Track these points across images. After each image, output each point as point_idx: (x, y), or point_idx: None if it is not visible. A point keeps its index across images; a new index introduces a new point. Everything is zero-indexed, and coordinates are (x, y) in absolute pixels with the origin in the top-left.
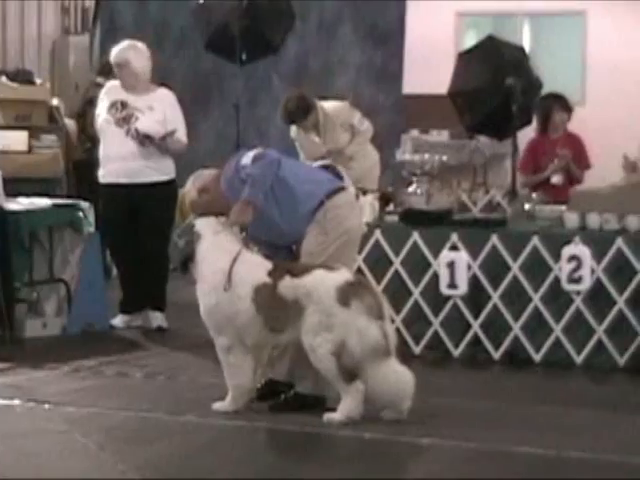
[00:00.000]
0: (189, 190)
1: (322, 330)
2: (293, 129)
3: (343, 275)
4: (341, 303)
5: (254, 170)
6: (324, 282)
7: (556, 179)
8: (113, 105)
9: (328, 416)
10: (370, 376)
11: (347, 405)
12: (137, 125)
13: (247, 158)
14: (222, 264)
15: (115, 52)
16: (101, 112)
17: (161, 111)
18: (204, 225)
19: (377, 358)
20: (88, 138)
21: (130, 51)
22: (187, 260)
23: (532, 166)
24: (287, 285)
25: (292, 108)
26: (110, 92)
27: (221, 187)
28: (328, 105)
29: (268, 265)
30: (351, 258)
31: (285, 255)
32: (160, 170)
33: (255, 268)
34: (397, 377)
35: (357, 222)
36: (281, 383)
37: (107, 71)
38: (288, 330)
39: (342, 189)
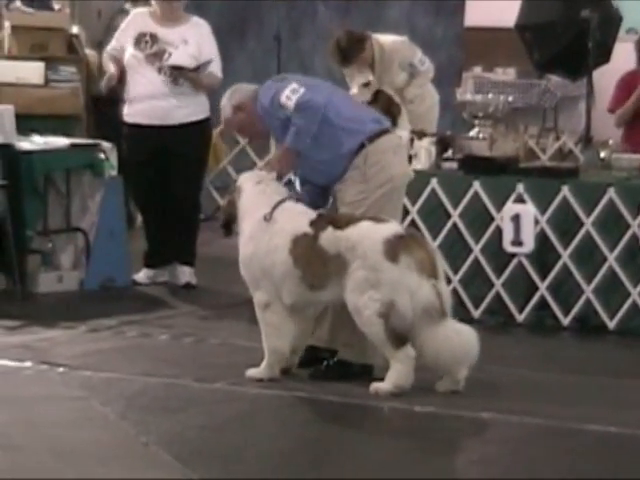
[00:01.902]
0: (224, 105)
1: (368, 288)
2: (346, 71)
3: (392, 228)
4: (389, 258)
5: (298, 120)
6: (370, 235)
7: None
8: (141, 38)
9: (375, 386)
10: (424, 340)
11: (396, 373)
12: (170, 62)
13: (287, 99)
14: (261, 213)
15: None
16: (125, 44)
17: (195, 44)
18: (246, 179)
19: (430, 320)
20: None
21: None
22: (230, 221)
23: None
24: (329, 237)
25: (345, 46)
26: (136, 21)
27: (257, 108)
28: (385, 40)
29: (311, 215)
30: (395, 210)
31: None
32: (193, 109)
33: (296, 217)
34: (459, 339)
35: (402, 169)
36: (322, 349)
37: None
38: (329, 288)
39: (387, 132)
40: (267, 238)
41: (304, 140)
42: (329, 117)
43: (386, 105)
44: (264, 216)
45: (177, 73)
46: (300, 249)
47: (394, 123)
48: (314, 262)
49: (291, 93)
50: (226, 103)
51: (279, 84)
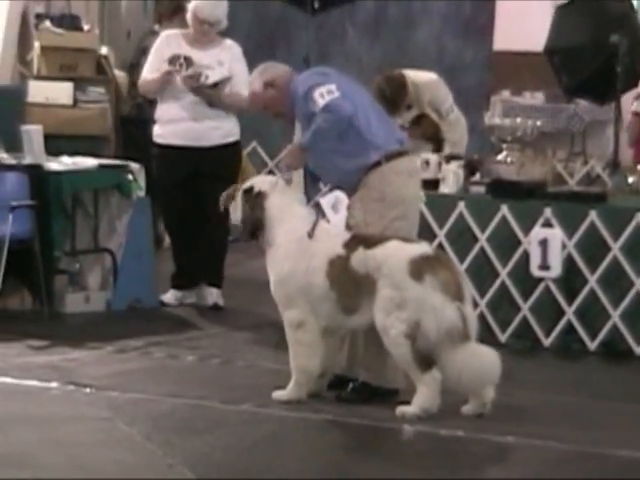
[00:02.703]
0: (253, 79)
1: (394, 308)
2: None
3: (420, 248)
4: (413, 277)
5: (320, 121)
6: (396, 254)
7: None
8: (175, 60)
9: (401, 409)
10: (446, 362)
11: (422, 396)
12: (210, 81)
13: (320, 96)
14: (298, 233)
15: (208, 9)
16: (160, 65)
17: (228, 65)
18: (266, 184)
19: (452, 343)
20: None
21: (220, 9)
22: (256, 227)
23: None
24: (360, 258)
25: (390, 96)
26: (169, 43)
27: (289, 90)
28: (418, 79)
29: (345, 236)
30: (410, 233)
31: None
32: (227, 131)
33: (331, 239)
34: (480, 360)
35: (414, 192)
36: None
37: (167, 17)
38: (361, 310)
39: (406, 153)
40: (306, 259)
41: (320, 141)
42: (358, 126)
43: (433, 130)
44: (307, 233)
45: (197, 91)
46: (335, 271)
47: (440, 148)
48: (347, 284)
49: (326, 92)
50: (256, 77)
51: (319, 78)
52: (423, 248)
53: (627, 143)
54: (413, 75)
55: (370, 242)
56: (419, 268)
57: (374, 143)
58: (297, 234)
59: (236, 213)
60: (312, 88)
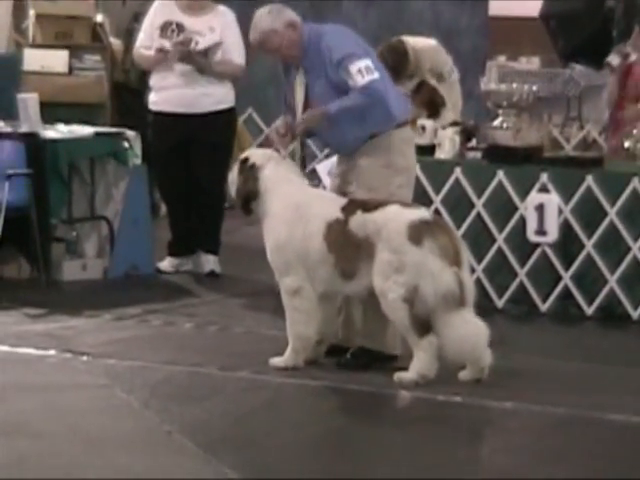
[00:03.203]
0: (272, 19)
1: (392, 272)
2: None
3: (419, 213)
4: (412, 241)
5: (357, 99)
6: (396, 218)
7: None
8: (167, 26)
9: (399, 375)
10: (441, 328)
11: (420, 362)
12: (199, 47)
13: (359, 72)
14: (294, 198)
15: None
16: (152, 33)
17: (220, 31)
18: (260, 156)
19: (448, 308)
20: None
21: None
22: (250, 199)
23: None
24: (358, 221)
25: (393, 65)
26: (162, 11)
27: (303, 37)
28: (418, 45)
29: (342, 201)
30: (408, 200)
31: None
32: (220, 97)
33: (328, 203)
34: (468, 330)
35: (414, 161)
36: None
37: None
38: (359, 275)
39: (408, 123)
40: (303, 224)
41: (346, 114)
42: (386, 100)
43: (430, 96)
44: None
45: (184, 57)
46: (333, 235)
47: (437, 114)
48: (346, 247)
49: (365, 70)
50: (275, 16)
51: (356, 50)
52: (422, 213)
53: (605, 105)
54: (413, 42)
55: (369, 206)
56: (418, 233)
57: (392, 114)
58: (293, 200)
59: (234, 185)
60: (349, 59)
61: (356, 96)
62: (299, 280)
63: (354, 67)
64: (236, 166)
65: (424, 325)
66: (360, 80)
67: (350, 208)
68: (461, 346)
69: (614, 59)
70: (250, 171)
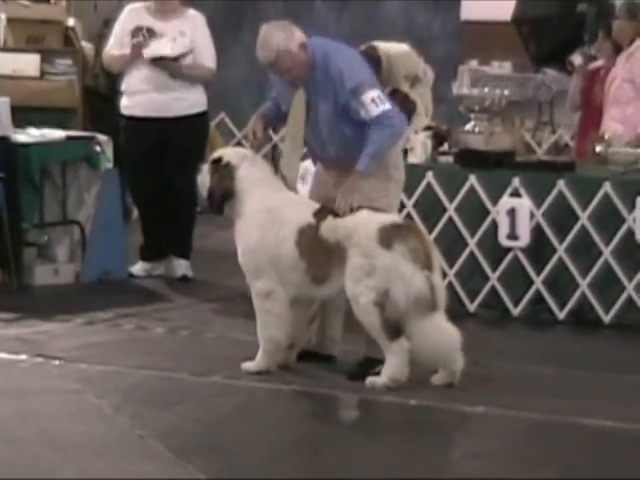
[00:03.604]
0: (284, 37)
1: (363, 276)
2: None
3: (389, 217)
4: (383, 245)
5: (375, 142)
6: (366, 222)
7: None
8: (138, 32)
9: (371, 380)
10: (412, 332)
11: (391, 366)
12: (147, 55)
13: (372, 102)
14: (268, 201)
15: None
16: (123, 38)
17: (190, 35)
18: (234, 156)
19: (420, 312)
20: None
21: None
22: (224, 198)
23: None
24: (329, 226)
25: None
26: (132, 17)
27: (312, 57)
28: (391, 52)
29: (315, 206)
30: (396, 207)
31: None
32: (192, 101)
33: (301, 208)
34: (440, 335)
35: (404, 172)
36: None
37: None
38: (331, 280)
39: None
40: (276, 228)
41: (379, 163)
42: None
43: (403, 103)
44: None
45: (157, 63)
46: (305, 240)
47: (409, 120)
48: (317, 253)
49: (378, 100)
50: (289, 36)
51: (367, 78)
52: (393, 217)
53: (568, 105)
54: (385, 48)
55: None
56: (389, 236)
57: (400, 137)
58: (267, 203)
59: (205, 183)
60: (361, 88)
61: (375, 139)
62: (270, 283)
63: (367, 97)
64: (206, 166)
65: (395, 329)
66: (374, 111)
67: (322, 213)
68: (433, 350)
69: (576, 58)
70: (225, 169)
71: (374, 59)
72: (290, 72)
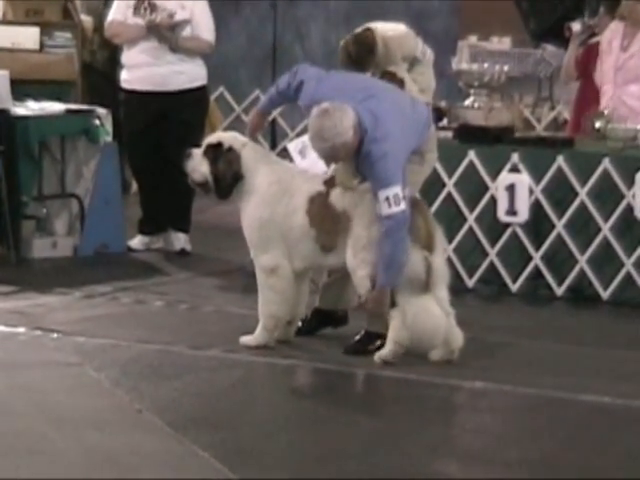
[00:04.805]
0: (345, 127)
1: (361, 249)
2: None
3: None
4: None
5: (388, 243)
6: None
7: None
8: (140, 5)
9: (378, 354)
10: (402, 310)
11: (393, 330)
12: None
13: (385, 201)
14: (277, 174)
15: None
16: (125, 12)
17: (190, 8)
18: (232, 139)
19: (412, 291)
20: (102, 38)
21: None
22: (235, 181)
23: None
24: (337, 193)
25: (357, 58)
26: None
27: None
28: (388, 34)
29: (324, 176)
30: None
31: None
32: (191, 76)
33: (310, 177)
34: (424, 317)
35: (436, 154)
36: (324, 312)
37: None
38: (338, 248)
39: None
40: (286, 199)
41: (399, 270)
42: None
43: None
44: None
45: (153, 31)
46: (315, 208)
47: None
48: (326, 220)
49: (393, 199)
50: (347, 124)
51: (395, 172)
52: (408, 191)
53: (562, 75)
54: (382, 29)
55: None
56: None
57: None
58: (276, 176)
59: (200, 169)
60: (381, 184)
61: (385, 250)
62: (277, 258)
63: (382, 194)
64: (198, 152)
65: (392, 300)
66: (384, 210)
67: (332, 182)
68: (414, 332)
69: (575, 25)
70: (230, 153)
71: (367, 43)
72: (346, 159)
